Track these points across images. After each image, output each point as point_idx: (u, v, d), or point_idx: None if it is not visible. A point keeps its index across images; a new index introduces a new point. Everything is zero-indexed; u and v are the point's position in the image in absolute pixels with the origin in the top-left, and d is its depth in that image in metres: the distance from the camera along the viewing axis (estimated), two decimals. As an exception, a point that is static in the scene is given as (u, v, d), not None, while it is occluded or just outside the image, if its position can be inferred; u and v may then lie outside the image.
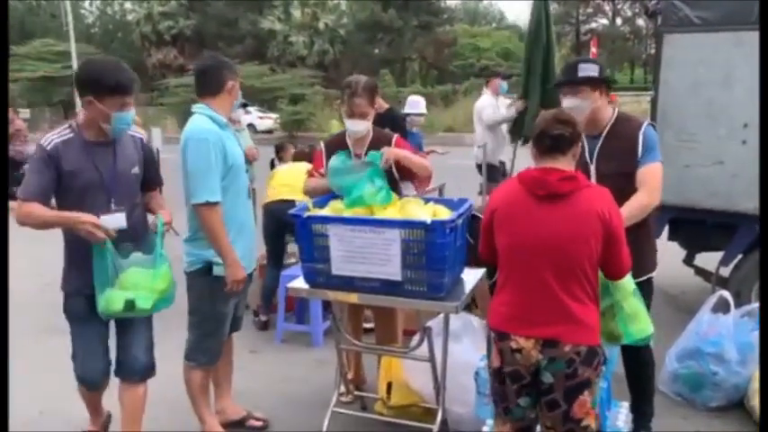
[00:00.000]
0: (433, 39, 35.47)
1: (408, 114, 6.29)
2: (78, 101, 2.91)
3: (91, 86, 2.67)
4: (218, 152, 2.93)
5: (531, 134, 2.44)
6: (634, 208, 2.86)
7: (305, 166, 4.93)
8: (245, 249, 3.16)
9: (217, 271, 3.03)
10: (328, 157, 3.37)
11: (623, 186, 2.89)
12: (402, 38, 34.89)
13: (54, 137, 2.71)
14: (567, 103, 2.98)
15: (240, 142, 3.26)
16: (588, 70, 2.95)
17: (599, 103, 2.96)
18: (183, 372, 3.21)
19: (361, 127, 3.31)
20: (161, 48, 35.69)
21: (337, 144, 3.44)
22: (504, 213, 2.37)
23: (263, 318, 4.92)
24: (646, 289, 3.04)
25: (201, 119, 3.00)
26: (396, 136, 3.45)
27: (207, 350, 3.15)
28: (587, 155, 2.99)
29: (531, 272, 2.29)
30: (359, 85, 3.31)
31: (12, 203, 2.88)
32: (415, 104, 6.50)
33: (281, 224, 4.67)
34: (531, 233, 2.29)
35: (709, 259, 4.68)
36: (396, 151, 3.21)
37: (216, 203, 2.92)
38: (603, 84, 2.99)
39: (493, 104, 6.81)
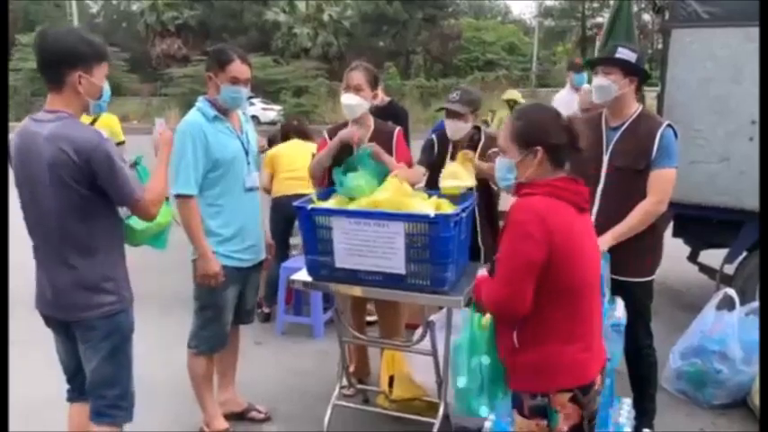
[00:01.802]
0: (437, 32, 35.32)
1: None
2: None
3: (79, 57, 2.25)
4: (197, 145, 2.93)
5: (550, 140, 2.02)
6: (640, 214, 2.89)
7: (306, 148, 4.85)
8: (249, 240, 3.15)
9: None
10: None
11: (632, 183, 2.89)
12: (407, 31, 34.78)
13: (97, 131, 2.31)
14: (597, 81, 2.98)
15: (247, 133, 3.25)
16: (626, 55, 2.93)
17: (626, 90, 2.95)
18: (187, 359, 3.21)
19: (354, 101, 3.27)
20: (165, 38, 35.61)
21: (339, 130, 3.42)
22: (565, 244, 1.90)
23: (265, 310, 4.92)
24: (644, 291, 3.04)
25: (193, 112, 3.04)
26: (398, 130, 3.43)
27: (206, 338, 3.15)
28: (603, 146, 2.97)
29: (595, 299, 2.04)
30: (360, 64, 3.35)
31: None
32: None
33: (289, 218, 4.67)
34: (594, 256, 2.03)
35: (714, 256, 4.66)
36: (379, 151, 3.19)
37: (189, 196, 2.94)
38: (637, 73, 2.97)
39: (565, 100, 6.51)
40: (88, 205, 2.29)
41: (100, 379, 2.44)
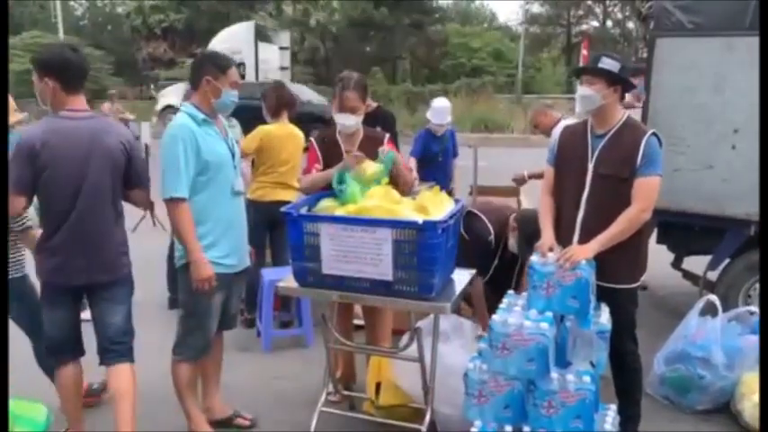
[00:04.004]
0: (424, 38, 35.41)
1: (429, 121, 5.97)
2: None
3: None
4: (188, 148, 2.92)
5: None
6: (624, 221, 2.91)
7: (294, 137, 4.69)
8: (234, 246, 3.14)
9: None
10: (321, 152, 3.37)
11: (616, 190, 2.92)
12: (393, 36, 34.80)
13: None
14: (580, 91, 3.01)
15: (231, 137, 3.24)
16: (609, 65, 2.94)
17: (610, 99, 2.97)
18: (171, 366, 3.19)
19: (351, 121, 3.31)
20: (151, 41, 35.37)
21: (328, 140, 3.43)
22: None
23: (248, 315, 4.88)
24: (629, 297, 3.07)
25: (180, 115, 3.02)
26: (387, 137, 3.46)
27: (191, 345, 3.14)
28: (589, 153, 3.00)
29: None
30: (351, 79, 3.33)
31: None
32: (439, 114, 5.92)
33: (270, 224, 4.62)
34: None
35: (697, 263, 4.71)
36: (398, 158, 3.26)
37: (180, 199, 2.91)
38: (620, 82, 2.99)
39: None
40: (121, 185, 2.94)
41: (123, 330, 3.00)
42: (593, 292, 2.86)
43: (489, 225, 3.96)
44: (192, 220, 2.96)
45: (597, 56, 3.05)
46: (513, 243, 3.85)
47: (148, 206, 3.09)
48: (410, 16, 34.73)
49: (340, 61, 31.18)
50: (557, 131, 3.27)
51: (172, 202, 2.93)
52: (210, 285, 3.00)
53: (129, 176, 2.94)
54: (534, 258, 2.92)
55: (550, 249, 2.95)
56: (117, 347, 2.99)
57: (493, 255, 3.98)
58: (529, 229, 3.54)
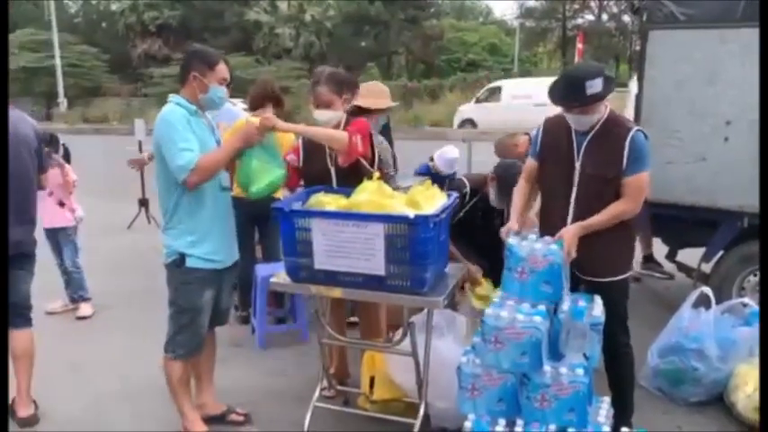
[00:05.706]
0: (419, 33, 35.38)
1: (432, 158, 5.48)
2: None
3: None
4: (186, 128, 2.91)
5: None
6: (610, 214, 2.90)
7: (278, 136, 4.63)
8: (222, 242, 3.14)
9: (190, 262, 3.02)
10: (304, 150, 3.37)
11: (604, 189, 2.91)
12: (389, 31, 34.77)
13: None
14: (579, 119, 2.91)
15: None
16: (595, 86, 2.78)
17: (602, 108, 2.92)
18: (163, 364, 3.19)
19: (326, 117, 3.27)
20: (146, 38, 35.27)
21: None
22: None
23: (242, 313, 4.87)
24: (619, 290, 3.06)
25: (171, 105, 3.01)
26: (354, 119, 3.35)
27: (183, 342, 3.13)
28: (574, 152, 2.97)
29: None
30: (322, 74, 3.31)
31: None
32: (447, 165, 5.31)
33: (253, 219, 4.53)
34: None
35: (691, 255, 4.72)
36: (271, 119, 3.10)
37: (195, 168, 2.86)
38: (609, 92, 2.90)
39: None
40: (37, 167, 3.45)
41: (28, 297, 3.47)
42: (566, 278, 2.85)
43: (466, 180, 4.00)
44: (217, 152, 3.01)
45: (580, 83, 2.79)
46: (493, 197, 3.81)
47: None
48: (405, 11, 34.70)
49: (335, 57, 31.09)
50: (534, 130, 3.23)
51: (188, 173, 2.85)
52: (267, 124, 3.03)
53: (39, 159, 3.44)
54: (512, 240, 2.89)
55: (526, 237, 2.93)
56: (25, 312, 3.44)
57: (465, 203, 3.90)
58: (507, 177, 3.53)
